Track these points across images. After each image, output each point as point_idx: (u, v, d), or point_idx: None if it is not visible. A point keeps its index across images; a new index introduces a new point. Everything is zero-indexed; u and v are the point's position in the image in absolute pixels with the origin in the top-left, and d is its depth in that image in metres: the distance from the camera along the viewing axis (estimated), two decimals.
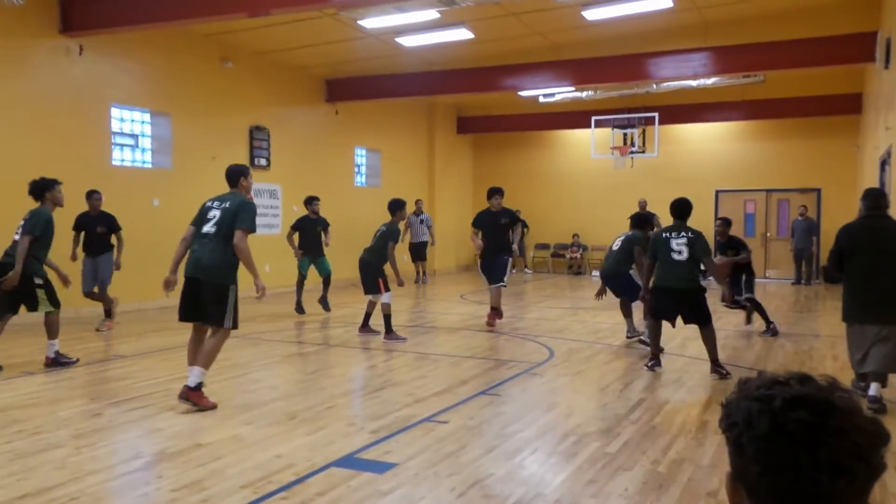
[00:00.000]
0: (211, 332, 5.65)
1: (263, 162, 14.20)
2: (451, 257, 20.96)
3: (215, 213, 5.66)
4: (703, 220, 19.00)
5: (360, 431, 5.03)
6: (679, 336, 9.31)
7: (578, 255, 20.28)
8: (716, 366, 6.82)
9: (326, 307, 11.37)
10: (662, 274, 6.98)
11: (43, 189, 7.10)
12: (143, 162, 12.26)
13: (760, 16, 13.13)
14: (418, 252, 16.50)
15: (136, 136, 12.13)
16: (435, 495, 3.86)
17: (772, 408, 1.07)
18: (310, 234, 11.38)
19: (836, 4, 12.71)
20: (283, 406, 5.83)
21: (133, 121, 12.05)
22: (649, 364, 7.13)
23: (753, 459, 1.07)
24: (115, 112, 11.53)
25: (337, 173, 16.29)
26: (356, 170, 17.48)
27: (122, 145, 11.83)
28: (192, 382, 5.46)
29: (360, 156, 17.80)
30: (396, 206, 9.22)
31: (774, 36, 12.29)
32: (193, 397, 5.44)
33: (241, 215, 5.56)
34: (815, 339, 9.37)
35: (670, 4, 11.65)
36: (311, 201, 11.48)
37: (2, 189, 9.53)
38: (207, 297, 5.58)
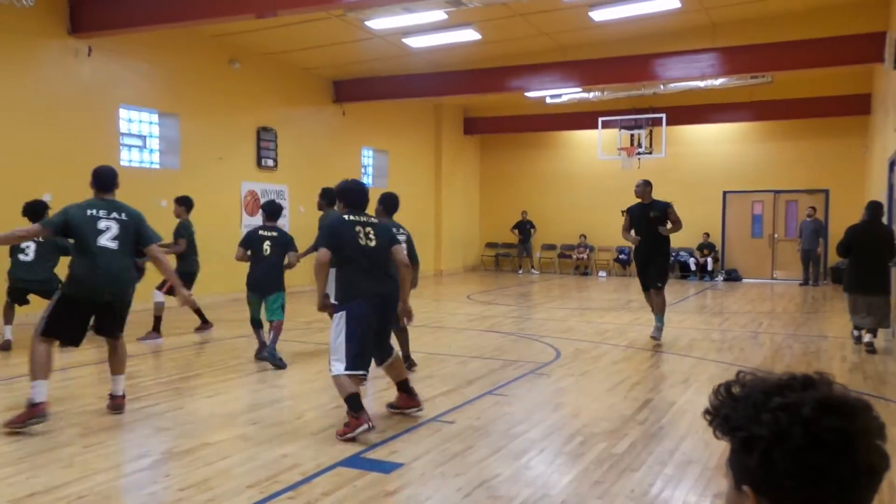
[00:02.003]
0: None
1: (270, 162, 14.24)
2: (458, 258, 20.97)
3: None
4: (711, 223, 19.04)
5: (367, 431, 5.03)
6: (686, 337, 9.29)
7: (585, 256, 20.26)
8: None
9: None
10: None
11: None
12: (151, 163, 12.30)
13: (768, 16, 13.09)
14: None
15: (144, 136, 12.18)
16: (441, 495, 3.86)
17: (803, 417, 1.03)
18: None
19: (845, 5, 12.66)
20: (290, 406, 5.84)
21: (141, 121, 12.10)
22: None
23: (788, 473, 1.03)
24: (123, 113, 11.57)
25: (344, 174, 16.20)
26: (363, 170, 17.50)
27: (130, 146, 11.88)
28: None
29: (367, 156, 17.83)
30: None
31: (782, 36, 12.25)
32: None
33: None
34: (822, 340, 9.33)
35: (678, 5, 11.64)
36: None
37: (10, 187, 9.58)
38: None
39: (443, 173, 20.11)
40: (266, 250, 7.36)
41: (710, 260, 18.57)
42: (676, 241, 19.21)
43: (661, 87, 15.49)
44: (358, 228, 5.04)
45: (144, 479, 4.11)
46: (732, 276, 18.52)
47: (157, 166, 12.32)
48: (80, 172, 10.48)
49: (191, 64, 12.44)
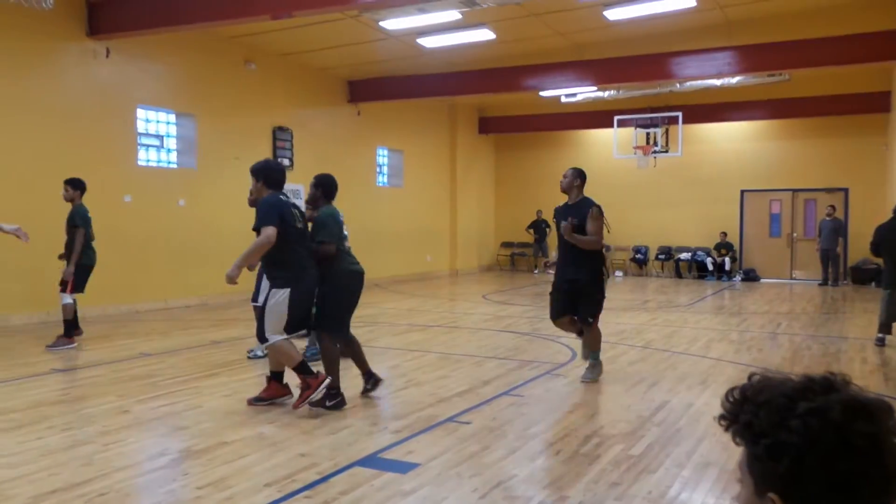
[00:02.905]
0: None
1: (287, 162, 14.29)
2: (473, 258, 20.96)
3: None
4: (728, 222, 18.92)
5: (383, 431, 5.05)
6: (703, 338, 9.23)
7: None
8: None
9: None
10: None
11: None
12: (169, 162, 12.39)
13: (785, 14, 12.97)
14: None
15: (162, 136, 12.28)
16: (457, 496, 3.86)
17: (833, 421, 1.02)
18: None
19: (863, 1, 12.52)
20: (306, 405, 5.86)
21: (158, 121, 12.19)
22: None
23: (820, 479, 1.02)
24: (140, 113, 11.67)
25: (359, 173, 16.35)
26: (378, 170, 17.55)
27: (147, 146, 11.98)
28: None
29: (382, 156, 17.87)
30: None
31: (800, 34, 12.14)
32: None
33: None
34: (842, 341, 9.24)
35: (693, 4, 11.56)
36: None
37: (29, 187, 9.69)
38: None
39: (458, 173, 20.12)
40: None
41: (727, 259, 18.44)
42: (694, 239, 19.36)
43: (678, 85, 15.41)
44: (293, 210, 5.53)
45: (163, 478, 4.14)
46: (750, 276, 18.38)
47: (175, 166, 12.41)
48: (99, 171, 10.60)
49: (207, 65, 12.53)
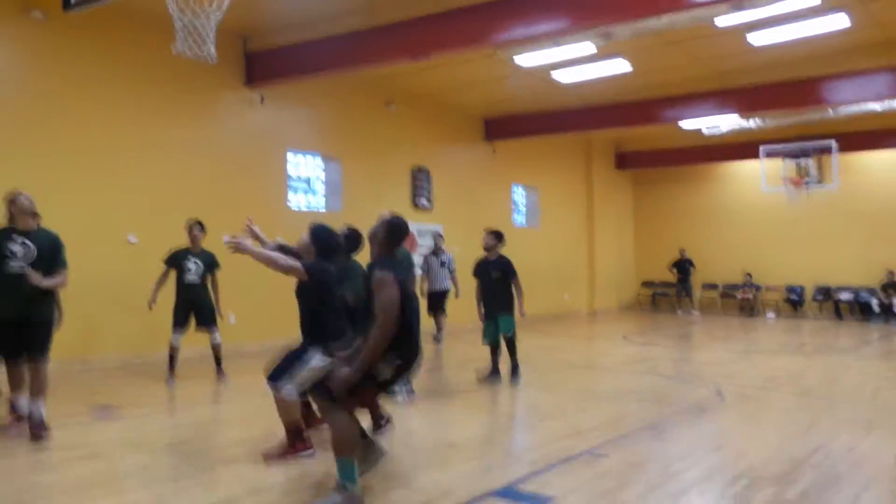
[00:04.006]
0: None
1: (425, 202, 14.63)
2: (613, 297, 20.47)
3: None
4: (895, 259, 17.36)
5: (519, 462, 4.98)
6: (870, 384, 8.47)
7: (751, 296, 19.10)
8: None
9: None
10: None
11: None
12: (317, 206, 13.00)
13: None
14: (438, 302, 12.04)
15: (309, 179, 12.96)
16: None
17: None
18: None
19: None
20: (443, 435, 5.89)
21: (306, 165, 12.89)
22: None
23: None
24: (290, 157, 12.39)
25: (495, 211, 16.46)
26: (514, 207, 17.61)
27: (296, 188, 12.68)
28: None
29: (518, 193, 17.93)
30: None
31: None
32: None
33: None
34: None
35: (848, 24, 10.86)
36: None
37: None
38: None
39: (595, 209, 19.82)
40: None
41: (895, 301, 16.88)
42: (856, 277, 17.86)
43: (831, 111, 14.46)
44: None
45: (310, 496, 4.26)
46: None
47: (323, 209, 12.99)
48: (251, 213, 11.28)
49: (351, 107, 13.15)
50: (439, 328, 12.14)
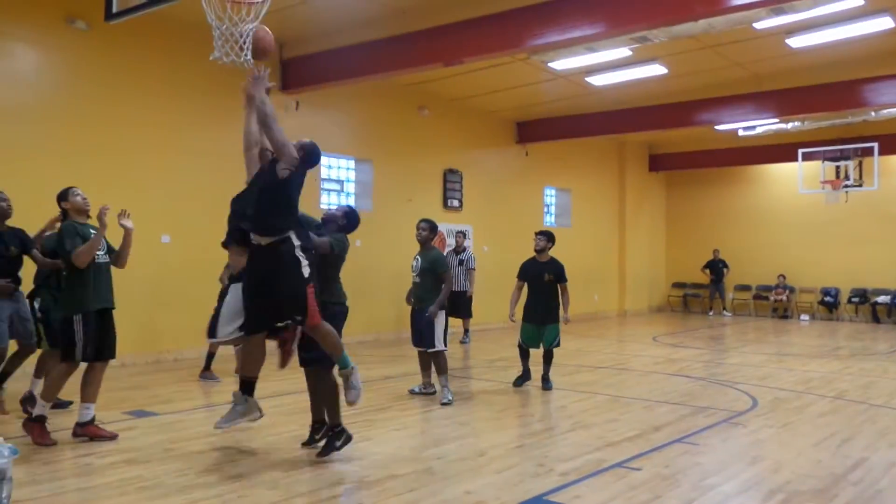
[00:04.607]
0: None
1: (456, 203, 14.70)
2: (643, 299, 20.32)
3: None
4: None
5: (550, 473, 4.98)
6: None
7: (784, 298, 18.83)
8: None
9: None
10: None
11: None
12: (348, 206, 13.13)
13: None
14: (457, 305, 11.49)
15: (342, 181, 13.08)
16: None
17: None
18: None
19: None
20: (473, 442, 5.92)
21: (339, 167, 13.02)
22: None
23: None
24: (323, 160, 12.51)
25: (527, 213, 16.46)
26: (545, 209, 17.57)
27: (329, 190, 12.81)
28: None
29: (550, 195, 17.88)
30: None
31: None
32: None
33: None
34: None
35: (892, 25, 10.64)
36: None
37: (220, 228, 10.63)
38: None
39: (627, 211, 19.68)
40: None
41: None
42: (893, 280, 17.47)
43: (872, 113, 14.18)
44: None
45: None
46: None
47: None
48: None
49: (384, 112, 13.26)
50: (465, 330, 12.19)
